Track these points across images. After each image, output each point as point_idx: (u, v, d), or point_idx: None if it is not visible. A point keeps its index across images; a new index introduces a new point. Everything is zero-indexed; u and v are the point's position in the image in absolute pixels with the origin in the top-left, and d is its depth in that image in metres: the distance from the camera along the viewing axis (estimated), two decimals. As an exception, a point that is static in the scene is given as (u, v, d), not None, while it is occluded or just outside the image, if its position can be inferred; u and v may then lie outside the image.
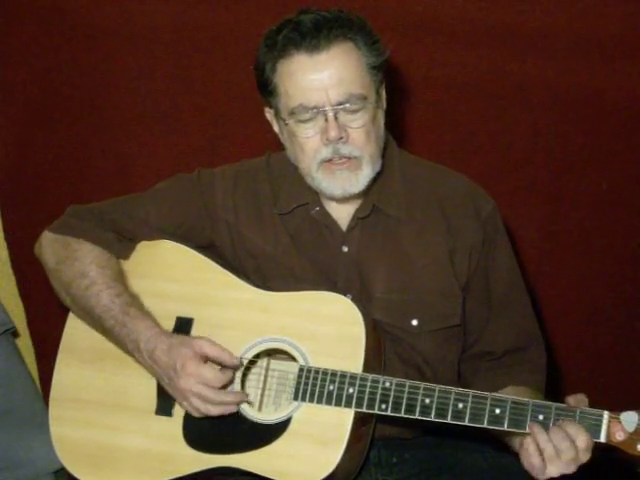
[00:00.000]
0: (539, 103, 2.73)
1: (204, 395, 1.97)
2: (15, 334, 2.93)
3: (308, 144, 2.04)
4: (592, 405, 1.89)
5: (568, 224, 2.81)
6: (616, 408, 1.88)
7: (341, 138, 2.01)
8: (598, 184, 2.77)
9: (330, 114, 2.00)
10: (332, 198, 2.12)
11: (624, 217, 2.80)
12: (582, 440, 1.83)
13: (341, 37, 2.01)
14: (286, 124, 2.06)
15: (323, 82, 1.99)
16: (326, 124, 2.00)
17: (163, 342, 2.02)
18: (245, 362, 2.06)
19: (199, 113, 2.82)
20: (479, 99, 2.75)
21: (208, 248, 2.21)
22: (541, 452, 1.83)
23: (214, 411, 1.99)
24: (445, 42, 2.70)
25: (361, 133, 2.03)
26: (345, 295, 2.08)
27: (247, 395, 2.04)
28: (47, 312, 2.90)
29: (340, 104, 2.00)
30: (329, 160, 2.03)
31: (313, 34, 1.99)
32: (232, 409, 2.00)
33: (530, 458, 1.85)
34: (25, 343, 3.00)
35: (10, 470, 2.69)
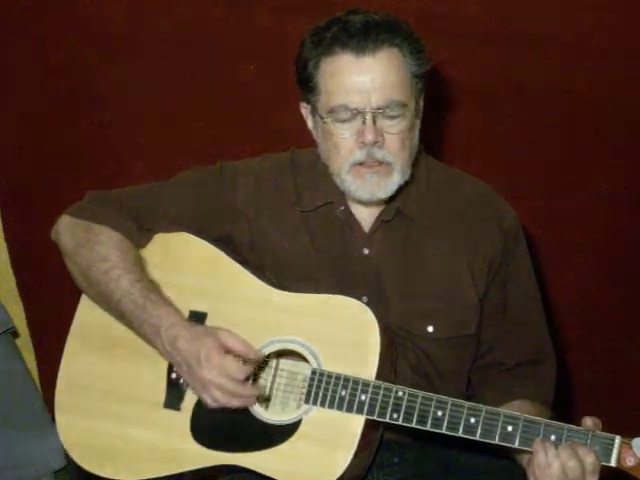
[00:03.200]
0: (539, 103, 2.73)
1: (226, 387, 1.95)
2: (15, 334, 2.93)
3: (343, 144, 2.02)
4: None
5: (568, 224, 2.82)
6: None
7: (376, 142, 1.99)
8: (598, 184, 2.78)
9: (368, 117, 1.98)
10: (359, 201, 2.10)
11: (624, 217, 2.80)
12: (589, 462, 1.82)
13: (388, 42, 1.98)
14: (324, 122, 2.03)
15: (366, 85, 1.97)
16: (363, 126, 1.99)
17: (186, 330, 2.00)
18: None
19: (199, 113, 2.82)
20: (479, 99, 2.75)
21: (225, 241, 2.18)
22: (548, 466, 1.82)
23: (235, 403, 1.97)
24: (445, 42, 2.69)
25: (397, 140, 2.01)
26: (361, 298, 2.06)
27: (265, 391, 2.02)
28: (47, 312, 2.90)
29: (380, 109, 1.98)
30: (361, 163, 2.02)
31: (361, 36, 1.97)
32: (251, 402, 1.99)
33: (537, 471, 1.84)
34: (25, 343, 2.99)
35: (10, 470, 2.69)
